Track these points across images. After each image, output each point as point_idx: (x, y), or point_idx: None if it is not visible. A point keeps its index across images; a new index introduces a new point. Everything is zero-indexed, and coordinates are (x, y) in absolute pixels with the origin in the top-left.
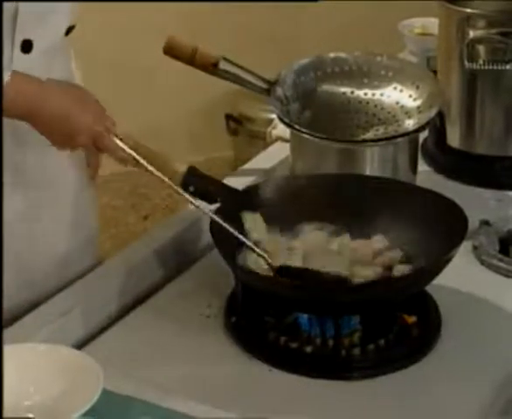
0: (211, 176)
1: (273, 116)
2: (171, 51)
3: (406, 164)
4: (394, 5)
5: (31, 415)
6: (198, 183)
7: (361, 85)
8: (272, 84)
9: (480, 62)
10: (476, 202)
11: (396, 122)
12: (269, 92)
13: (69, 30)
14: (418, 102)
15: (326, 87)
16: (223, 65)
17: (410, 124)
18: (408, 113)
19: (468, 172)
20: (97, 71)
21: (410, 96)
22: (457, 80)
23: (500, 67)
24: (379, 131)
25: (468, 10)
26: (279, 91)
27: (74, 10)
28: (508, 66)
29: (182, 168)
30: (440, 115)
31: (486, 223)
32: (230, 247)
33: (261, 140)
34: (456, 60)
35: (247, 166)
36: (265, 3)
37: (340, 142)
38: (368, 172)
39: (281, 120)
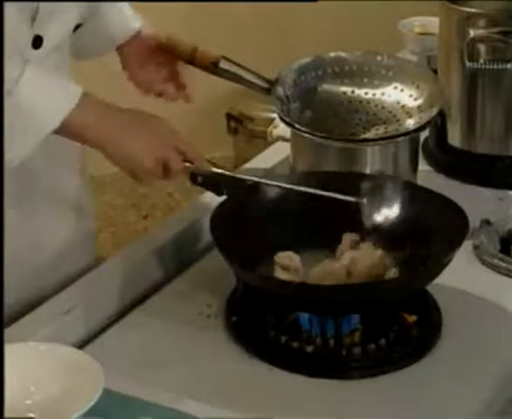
0: (222, 167)
1: (274, 115)
2: (171, 50)
3: (407, 163)
4: (394, 4)
5: (31, 415)
6: (207, 174)
7: (361, 85)
8: (272, 83)
9: (481, 61)
10: (477, 201)
11: (396, 122)
12: (269, 91)
13: (76, 28)
14: (419, 102)
15: (326, 87)
16: (223, 65)
17: (410, 123)
18: (409, 112)
19: (469, 171)
20: (97, 69)
21: (410, 95)
22: (457, 79)
23: (500, 66)
24: (380, 130)
25: (469, 10)
26: (279, 90)
27: (86, 8)
28: (508, 65)
29: None
30: (441, 114)
31: (486, 222)
32: (230, 246)
33: (262, 140)
34: (456, 59)
35: (248, 165)
36: (264, 3)
37: (340, 142)
38: (368, 171)
39: (282, 119)
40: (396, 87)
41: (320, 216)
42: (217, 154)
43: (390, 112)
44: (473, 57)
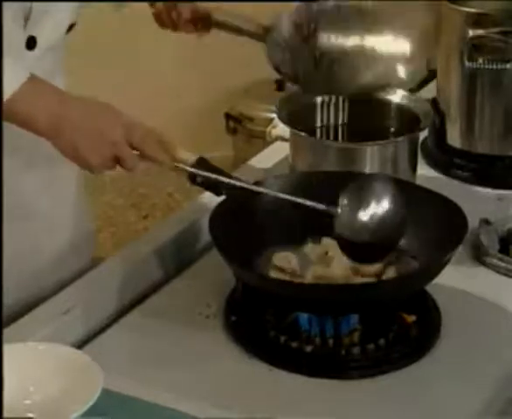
0: (220, 168)
1: (273, 115)
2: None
3: (406, 163)
4: None
5: (30, 415)
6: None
7: (355, 32)
8: (267, 30)
9: (480, 61)
10: (476, 201)
11: (389, 69)
12: (265, 38)
13: (70, 28)
14: (411, 51)
15: (322, 35)
16: (216, 15)
17: (402, 72)
18: (400, 59)
19: (468, 171)
20: (97, 71)
21: (401, 43)
22: (457, 79)
23: (500, 66)
24: (369, 78)
25: (469, 10)
26: (274, 37)
27: (76, 8)
28: (508, 65)
29: (191, 158)
30: (441, 114)
31: (486, 222)
32: (229, 246)
33: (261, 140)
34: (456, 59)
35: (247, 165)
36: (264, 3)
37: (340, 142)
38: (368, 171)
39: (278, 70)
40: (389, 34)
41: (319, 216)
42: (217, 154)
43: (382, 58)
44: (472, 57)
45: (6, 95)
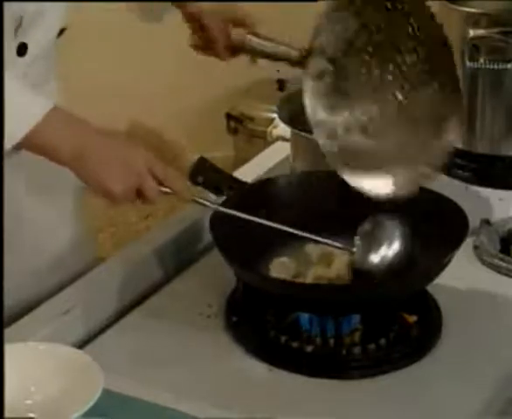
0: (221, 168)
1: (274, 115)
2: None
3: None
4: None
5: (31, 415)
6: (207, 175)
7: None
8: (306, 53)
9: (481, 61)
10: (477, 201)
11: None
12: (303, 64)
13: (61, 32)
14: None
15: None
16: (249, 41)
17: None
18: None
19: (469, 171)
20: (97, 71)
21: None
22: None
23: (501, 66)
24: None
25: (469, 10)
26: (314, 62)
27: (67, 11)
28: (508, 65)
29: (192, 159)
30: None
31: (487, 222)
32: (230, 246)
33: (262, 140)
34: (457, 59)
35: (247, 165)
36: (264, 3)
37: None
38: None
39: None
40: None
41: (320, 216)
42: (217, 154)
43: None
44: (473, 57)
45: (29, 126)
